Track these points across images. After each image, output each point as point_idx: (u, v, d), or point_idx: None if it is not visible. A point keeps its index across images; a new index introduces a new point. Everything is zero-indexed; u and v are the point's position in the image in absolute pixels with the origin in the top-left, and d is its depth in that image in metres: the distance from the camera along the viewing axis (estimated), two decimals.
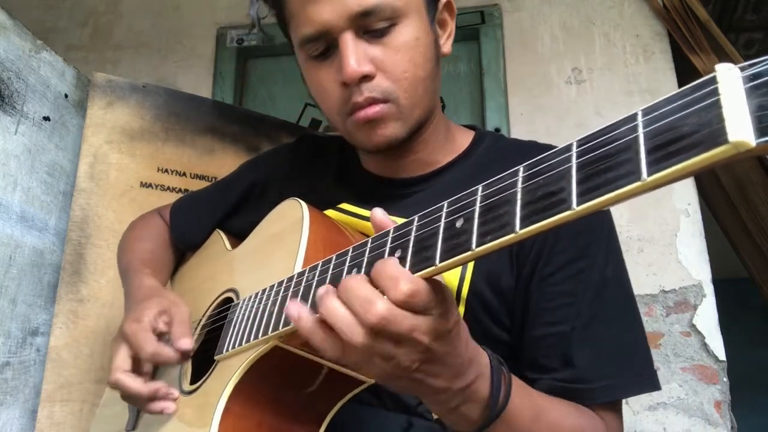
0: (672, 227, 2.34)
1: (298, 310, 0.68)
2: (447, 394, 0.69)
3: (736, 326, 2.86)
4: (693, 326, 2.22)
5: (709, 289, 2.25)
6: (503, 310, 0.98)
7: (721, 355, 2.18)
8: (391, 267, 0.61)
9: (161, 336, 1.01)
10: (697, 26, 2.45)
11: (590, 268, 0.96)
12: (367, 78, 0.95)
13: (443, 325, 0.63)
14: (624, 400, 0.98)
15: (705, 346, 2.20)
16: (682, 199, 2.36)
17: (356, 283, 0.63)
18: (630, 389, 0.94)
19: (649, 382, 0.94)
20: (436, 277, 0.62)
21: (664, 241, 2.33)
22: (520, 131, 2.53)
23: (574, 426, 0.86)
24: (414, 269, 0.59)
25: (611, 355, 0.93)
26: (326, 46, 0.98)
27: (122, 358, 1.00)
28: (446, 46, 1.09)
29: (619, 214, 2.34)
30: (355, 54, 0.94)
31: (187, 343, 0.98)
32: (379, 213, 0.70)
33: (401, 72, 0.97)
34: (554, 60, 2.63)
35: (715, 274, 2.28)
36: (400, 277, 0.60)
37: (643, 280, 2.28)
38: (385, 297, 0.61)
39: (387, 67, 0.96)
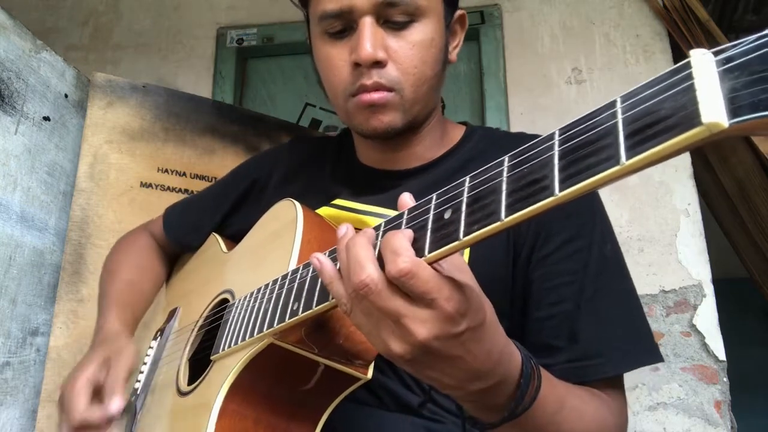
0: (672, 227, 2.34)
1: (319, 258, 0.68)
2: (460, 391, 0.68)
3: (736, 326, 2.86)
4: (693, 326, 2.22)
5: (709, 289, 2.25)
6: (500, 297, 0.98)
7: (721, 355, 2.18)
8: (394, 240, 0.59)
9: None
10: (697, 26, 2.46)
11: (588, 246, 0.98)
12: (379, 64, 0.98)
13: (447, 327, 0.59)
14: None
15: (705, 346, 2.20)
16: (682, 199, 2.36)
17: (360, 240, 0.62)
18: (636, 361, 0.94)
19: (654, 354, 0.96)
20: (456, 271, 0.61)
21: (664, 241, 2.33)
22: (518, 131, 2.53)
23: (592, 409, 0.86)
24: None
25: (616, 330, 0.95)
26: (344, 26, 1.00)
27: (65, 425, 1.02)
28: (453, 54, 1.12)
29: (620, 213, 2.35)
30: (373, 38, 0.96)
31: (116, 405, 1.00)
32: (406, 197, 0.67)
33: (411, 66, 1.00)
34: (554, 60, 2.64)
35: (715, 274, 2.28)
36: (402, 253, 0.57)
37: (643, 280, 2.28)
38: (377, 263, 0.60)
39: (399, 59, 0.99)
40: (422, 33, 1.00)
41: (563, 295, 0.96)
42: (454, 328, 0.60)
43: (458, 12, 1.11)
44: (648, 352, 0.96)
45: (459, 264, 0.63)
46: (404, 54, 0.99)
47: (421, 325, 0.59)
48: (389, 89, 0.99)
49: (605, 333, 0.94)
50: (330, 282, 0.66)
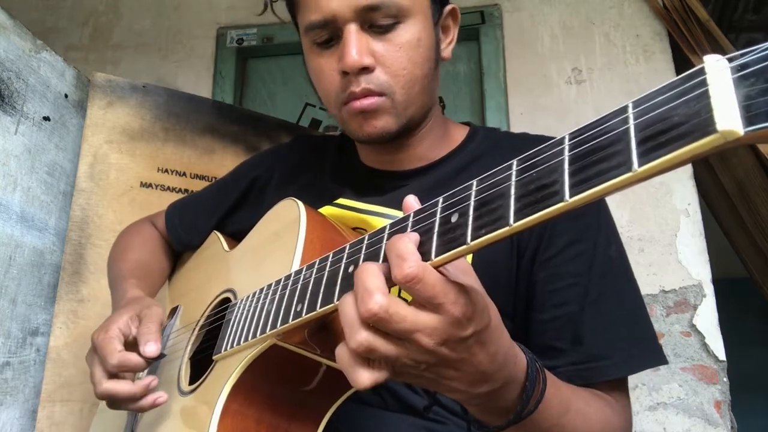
0: (672, 227, 2.34)
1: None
2: (466, 395, 0.67)
3: (736, 326, 2.86)
4: (693, 326, 2.22)
5: (709, 289, 2.25)
6: (504, 298, 0.98)
7: (721, 355, 2.18)
8: (400, 244, 0.58)
9: (133, 341, 1.00)
10: (697, 26, 2.46)
11: (592, 248, 0.97)
12: (366, 70, 0.98)
13: (454, 332, 0.60)
14: None
15: (705, 346, 2.20)
16: (682, 199, 2.36)
17: (366, 272, 0.61)
18: (640, 363, 0.94)
19: (658, 356, 0.96)
20: (460, 273, 0.61)
21: (664, 241, 2.33)
22: (519, 131, 2.53)
23: (597, 410, 0.86)
24: None
25: (620, 332, 0.95)
26: (330, 35, 1.00)
27: (100, 370, 0.99)
28: (447, 51, 1.11)
29: (620, 214, 2.35)
30: (358, 45, 0.96)
31: (152, 348, 0.96)
32: (411, 200, 0.66)
33: (400, 69, 0.99)
34: (554, 60, 2.63)
35: (715, 274, 2.28)
36: (408, 258, 0.57)
37: (643, 280, 2.28)
38: (386, 291, 0.59)
39: (387, 62, 0.99)
40: (408, 34, 0.99)
41: (567, 297, 0.95)
42: (461, 332, 0.60)
43: (448, 6, 1.10)
44: (652, 355, 0.96)
45: (464, 267, 0.63)
46: (391, 57, 0.99)
47: (430, 336, 0.59)
48: (379, 94, 0.99)
49: (609, 335, 0.94)
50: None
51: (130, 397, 0.96)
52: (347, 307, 0.62)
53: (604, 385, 0.92)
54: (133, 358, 0.96)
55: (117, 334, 0.99)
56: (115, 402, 0.98)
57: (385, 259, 0.60)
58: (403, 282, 0.57)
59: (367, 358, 0.62)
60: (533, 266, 0.98)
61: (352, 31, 0.97)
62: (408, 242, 0.59)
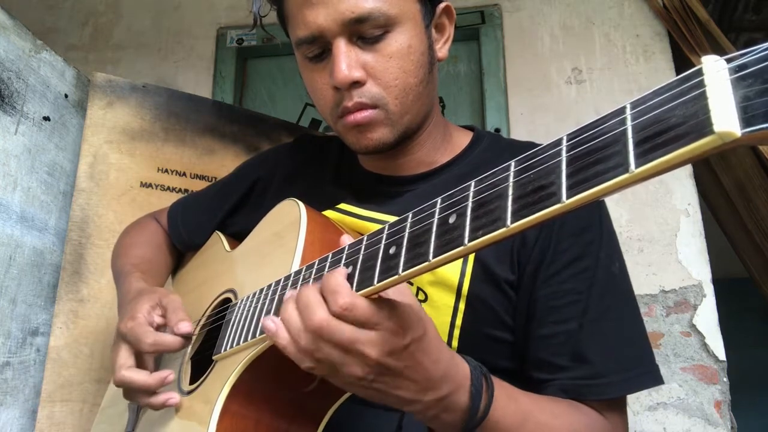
0: (672, 227, 2.34)
1: (271, 320, 0.73)
2: (419, 404, 0.73)
3: (736, 326, 2.86)
4: (693, 326, 2.22)
5: (709, 289, 2.25)
6: (504, 307, 0.98)
7: (721, 355, 2.18)
8: (332, 280, 0.67)
9: (159, 329, 1.01)
10: (697, 26, 2.45)
11: (594, 265, 0.97)
12: (357, 84, 0.97)
13: (395, 341, 0.67)
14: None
15: (705, 346, 2.20)
16: (682, 199, 2.35)
17: (306, 291, 0.69)
18: (637, 384, 0.94)
19: (655, 377, 0.95)
20: (397, 294, 0.68)
21: (664, 241, 2.33)
22: (520, 131, 2.53)
23: (565, 425, 0.86)
24: (407, 265, 0.59)
25: (619, 351, 0.94)
26: (321, 49, 1.00)
27: (124, 357, 1.00)
28: (442, 50, 1.10)
29: (619, 214, 2.35)
30: (347, 60, 0.96)
31: (187, 326, 0.98)
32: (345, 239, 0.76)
33: (392, 79, 0.98)
34: (554, 60, 2.63)
35: (715, 274, 2.28)
36: (339, 291, 0.66)
37: (643, 280, 2.28)
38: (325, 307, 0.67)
39: (378, 74, 0.98)
40: (398, 42, 0.98)
41: (567, 314, 0.95)
42: (400, 340, 0.68)
43: (441, 5, 1.08)
44: (649, 375, 0.95)
45: (401, 288, 0.70)
46: (382, 68, 0.97)
47: (373, 347, 0.67)
48: (372, 106, 0.98)
49: (607, 355, 0.93)
50: (285, 346, 0.72)
51: (144, 387, 0.97)
52: (292, 317, 0.70)
53: (600, 403, 0.92)
54: (167, 338, 0.98)
55: (145, 320, 1.00)
56: (130, 392, 1.00)
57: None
58: (339, 312, 0.66)
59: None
60: (535, 282, 0.97)
61: (341, 45, 0.96)
62: (338, 276, 0.68)
